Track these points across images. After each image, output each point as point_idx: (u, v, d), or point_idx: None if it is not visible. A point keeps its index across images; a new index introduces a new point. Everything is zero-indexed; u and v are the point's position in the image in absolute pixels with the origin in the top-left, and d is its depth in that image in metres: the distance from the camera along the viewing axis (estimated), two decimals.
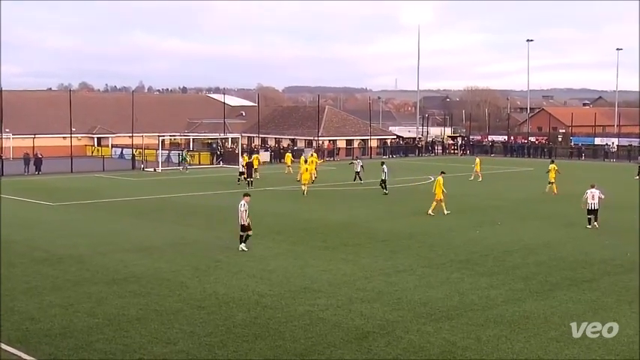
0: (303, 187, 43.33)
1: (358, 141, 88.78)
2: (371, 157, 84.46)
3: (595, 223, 29.93)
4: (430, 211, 33.40)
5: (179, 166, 64.78)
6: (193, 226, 30.62)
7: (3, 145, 66.15)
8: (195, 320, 16.42)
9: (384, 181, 43.15)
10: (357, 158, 55.97)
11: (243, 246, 24.53)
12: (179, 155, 67.22)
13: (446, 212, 33.38)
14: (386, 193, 42.31)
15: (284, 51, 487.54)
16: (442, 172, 35.37)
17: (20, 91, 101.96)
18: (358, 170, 49.41)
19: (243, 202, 24.83)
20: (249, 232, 24.72)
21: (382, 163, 45.20)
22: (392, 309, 17.40)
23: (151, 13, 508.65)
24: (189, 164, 66.10)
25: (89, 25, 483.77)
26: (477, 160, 53.67)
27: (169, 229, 29.97)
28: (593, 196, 30.06)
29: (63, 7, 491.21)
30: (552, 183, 42.83)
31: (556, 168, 43.78)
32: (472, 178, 51.27)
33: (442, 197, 33.70)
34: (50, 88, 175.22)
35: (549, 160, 49.80)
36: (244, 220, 24.52)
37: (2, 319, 16.48)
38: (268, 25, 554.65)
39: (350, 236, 27.66)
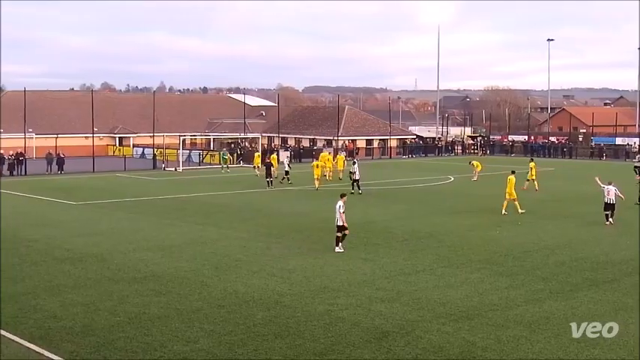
0: (315, 183, 44.49)
1: (378, 141, 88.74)
2: (390, 157, 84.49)
3: (611, 220, 30.44)
4: (520, 210, 33.37)
5: (219, 166, 64.53)
6: (213, 225, 30.74)
7: (26, 145, 66.66)
8: (216, 319, 16.52)
9: (356, 181, 42.88)
10: (348, 159, 55.24)
11: (340, 248, 24.28)
12: (220, 155, 66.44)
13: (520, 211, 33.37)
14: (357, 193, 41.77)
15: (303, 51, 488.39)
16: (512, 172, 35.51)
17: (43, 91, 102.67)
18: (353, 171, 49.04)
19: (340, 202, 24.44)
20: (346, 232, 24.45)
21: (354, 163, 45.32)
22: (411, 309, 17.40)
23: (169, 13, 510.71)
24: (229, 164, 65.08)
25: (108, 26, 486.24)
26: (475, 163, 53.47)
27: (189, 228, 30.12)
28: (609, 192, 30.72)
29: (83, 6, 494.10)
30: (532, 180, 44.36)
31: (535, 166, 45.39)
32: (475, 178, 51.21)
33: (515, 196, 33.68)
34: (72, 89, 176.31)
35: (529, 159, 51.11)
36: (343, 220, 24.31)
37: (25, 317, 16.70)
38: (288, 25, 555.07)
39: (369, 236, 27.64)
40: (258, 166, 56.74)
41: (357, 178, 42.89)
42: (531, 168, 45.10)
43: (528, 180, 44.51)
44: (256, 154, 60.61)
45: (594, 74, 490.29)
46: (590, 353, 14.32)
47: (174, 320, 16.39)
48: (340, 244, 24.41)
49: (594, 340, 14.91)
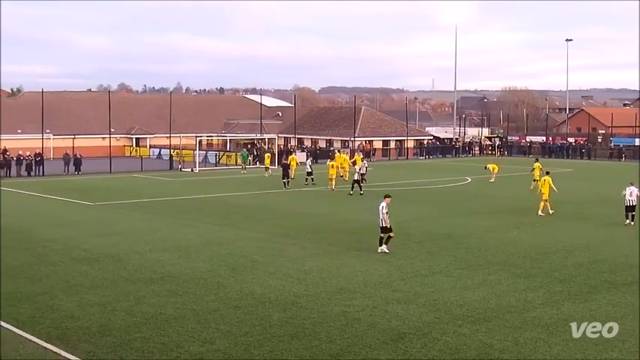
0: (330, 183, 45.01)
1: (394, 142, 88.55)
2: (407, 158, 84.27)
3: (631, 222, 30.34)
4: (540, 212, 33.24)
5: (238, 166, 64.49)
6: (230, 226, 30.77)
7: (44, 146, 67.06)
8: (232, 320, 16.50)
9: (356, 181, 42.95)
10: (363, 159, 55.07)
11: (384, 248, 24.17)
12: (240, 155, 66.03)
13: (551, 212, 33.32)
14: (348, 194, 42.00)
15: (320, 51, 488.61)
16: (547, 172, 35.53)
17: (60, 92, 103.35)
18: (363, 172, 48.91)
19: (384, 203, 24.35)
20: (391, 234, 24.28)
21: (354, 164, 45.23)
22: (428, 310, 17.32)
23: (186, 13, 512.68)
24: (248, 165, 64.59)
25: (125, 26, 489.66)
26: (490, 166, 52.99)
27: (206, 228, 30.16)
28: (631, 193, 30.81)
29: (100, 7, 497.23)
30: (537, 181, 43.91)
31: (540, 167, 45.57)
32: (493, 180, 50.94)
33: (547, 197, 33.54)
34: (90, 89, 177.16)
35: (534, 159, 51.57)
36: (386, 222, 24.17)
37: (42, 316, 16.78)
38: (305, 25, 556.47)
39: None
40: (267, 167, 57.37)
41: (357, 179, 42.97)
42: (535, 168, 45.06)
43: (535, 180, 44.39)
44: (266, 155, 60.99)
45: (613, 74, 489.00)
46: (608, 356, 14.17)
47: (190, 321, 16.39)
48: (384, 245, 24.24)
49: (613, 343, 14.78)
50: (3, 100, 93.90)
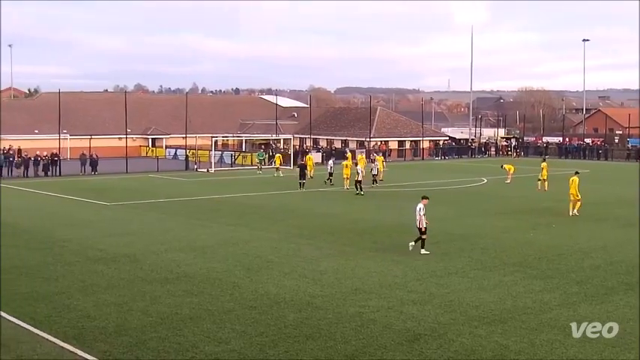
0: (345, 183, 45.49)
1: (410, 142, 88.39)
2: (423, 159, 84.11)
3: None
4: (576, 212, 33.25)
5: (254, 167, 64.64)
6: (245, 226, 30.80)
7: (60, 146, 67.43)
8: (247, 320, 16.52)
9: (358, 182, 43.16)
10: (373, 161, 54.70)
11: (422, 249, 24.13)
12: (256, 156, 66.32)
13: (571, 214, 33.24)
14: (360, 194, 42.33)
15: (335, 52, 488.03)
16: (576, 172, 35.40)
17: (77, 92, 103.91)
18: (375, 173, 48.79)
19: (421, 205, 24.26)
20: (424, 237, 24.17)
21: (356, 164, 45.51)
22: (444, 311, 17.26)
23: (202, 14, 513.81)
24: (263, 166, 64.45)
25: (142, 27, 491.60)
26: (507, 166, 52.76)
27: (221, 229, 30.22)
28: None
29: (117, 8, 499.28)
30: (544, 180, 44.52)
31: (547, 166, 45.75)
32: (509, 180, 50.71)
33: (579, 197, 33.47)
34: (106, 90, 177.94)
35: (541, 159, 51.75)
36: (422, 223, 24.06)
37: (59, 316, 16.87)
38: (319, 26, 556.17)
39: (401, 237, 27.43)
40: (278, 167, 57.68)
41: (360, 179, 43.15)
42: (542, 168, 44.89)
43: (539, 180, 44.33)
44: (277, 156, 61.26)
45: (631, 75, 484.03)
46: (625, 357, 14.08)
47: (205, 321, 16.43)
48: (422, 247, 24.18)
49: (630, 345, 14.68)
50: (20, 101, 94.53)
